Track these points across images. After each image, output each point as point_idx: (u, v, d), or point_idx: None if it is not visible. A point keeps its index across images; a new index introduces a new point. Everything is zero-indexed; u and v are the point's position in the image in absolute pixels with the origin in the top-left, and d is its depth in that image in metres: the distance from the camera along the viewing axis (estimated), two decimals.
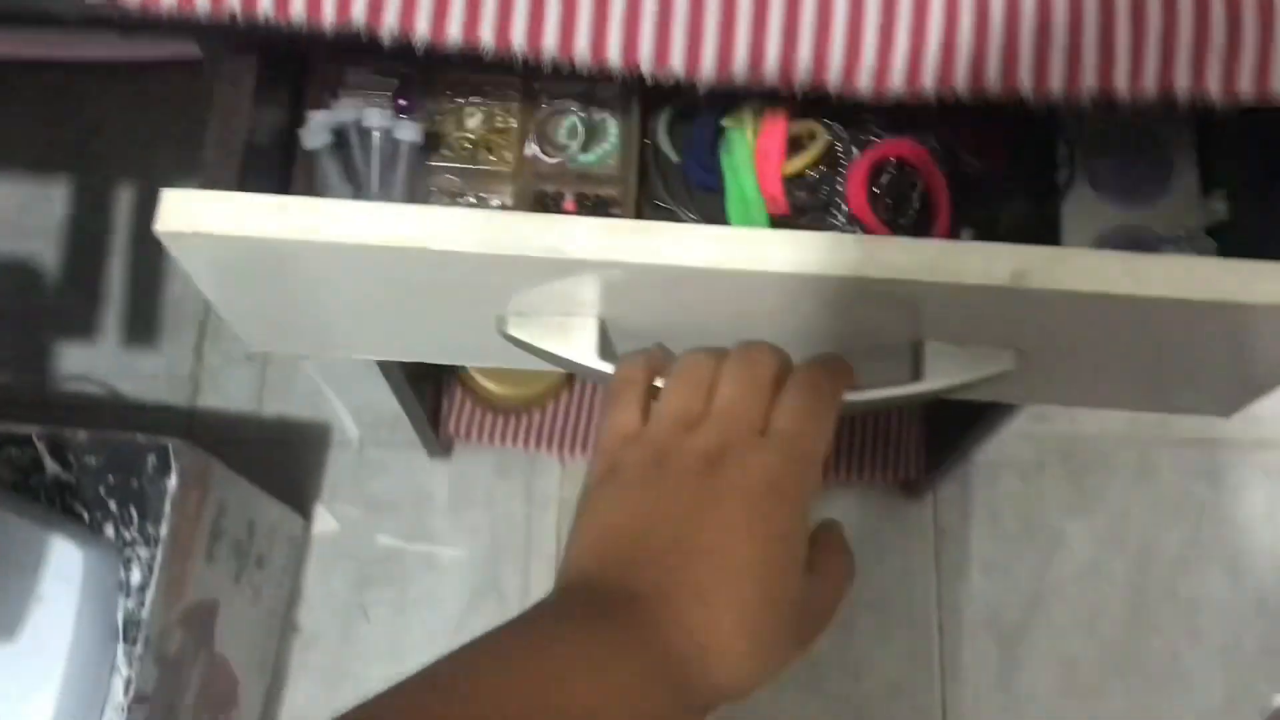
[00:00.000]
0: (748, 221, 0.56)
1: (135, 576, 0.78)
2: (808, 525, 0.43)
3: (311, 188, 0.56)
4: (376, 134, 0.55)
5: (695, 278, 0.46)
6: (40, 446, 0.79)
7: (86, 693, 0.76)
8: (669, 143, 0.60)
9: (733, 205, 0.56)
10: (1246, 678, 1.18)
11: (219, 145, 0.51)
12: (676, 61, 0.48)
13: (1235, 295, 0.45)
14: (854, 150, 0.57)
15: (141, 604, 0.77)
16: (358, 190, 0.56)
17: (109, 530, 0.78)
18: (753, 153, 0.55)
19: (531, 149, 0.59)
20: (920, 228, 0.58)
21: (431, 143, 0.59)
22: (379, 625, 1.12)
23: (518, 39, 0.48)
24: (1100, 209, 0.59)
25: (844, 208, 0.56)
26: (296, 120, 0.57)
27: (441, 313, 0.53)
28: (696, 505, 0.42)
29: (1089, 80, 0.48)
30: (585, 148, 0.59)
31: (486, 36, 0.48)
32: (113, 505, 0.79)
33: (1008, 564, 1.20)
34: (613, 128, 0.60)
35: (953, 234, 0.57)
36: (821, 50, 0.48)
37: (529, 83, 0.60)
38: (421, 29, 0.48)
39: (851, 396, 0.48)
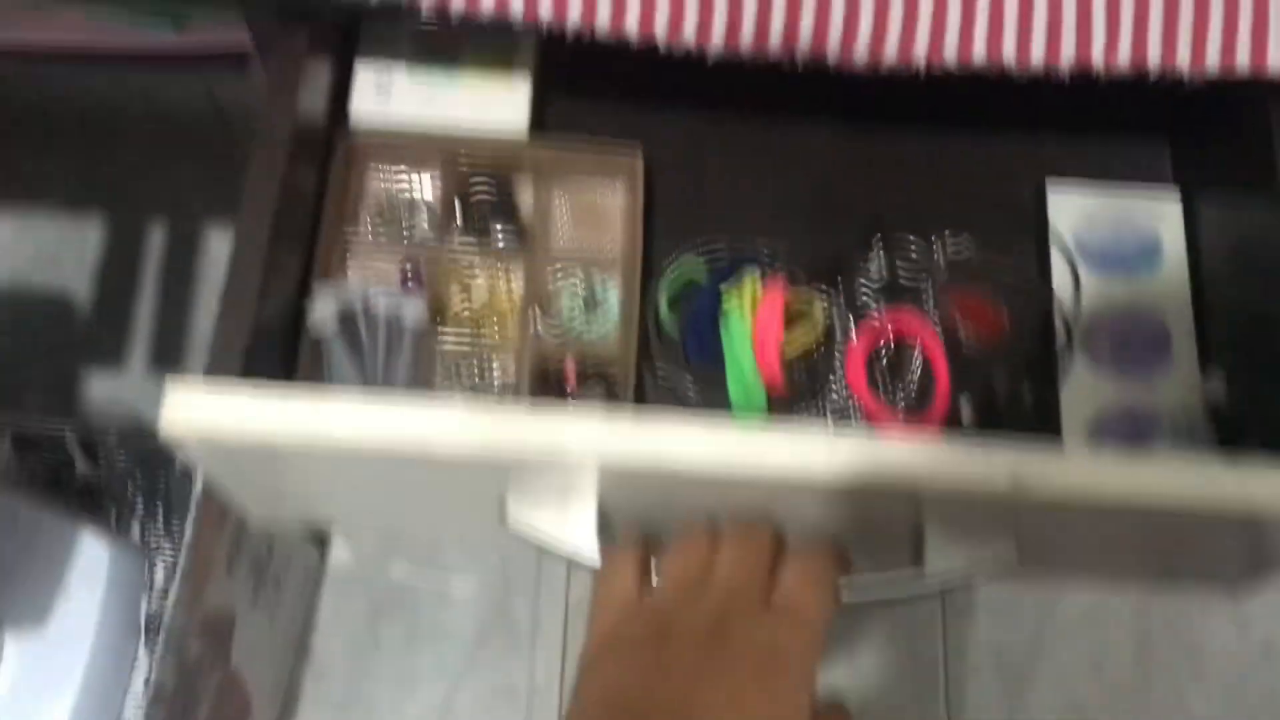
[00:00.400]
0: (747, 400, 0.56)
1: (159, 576, 0.79)
2: (814, 697, 0.42)
3: (318, 365, 0.56)
4: (382, 315, 0.55)
5: (691, 476, 0.46)
6: (72, 443, 0.80)
7: (109, 685, 0.77)
8: (670, 316, 0.60)
9: (733, 383, 0.56)
10: None
11: (224, 333, 0.51)
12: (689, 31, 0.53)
13: (1236, 501, 0.45)
14: (851, 322, 0.57)
15: (164, 603, 0.77)
16: (363, 367, 0.56)
17: (135, 530, 0.80)
18: (750, 332, 0.55)
19: (533, 321, 0.59)
20: (918, 402, 0.58)
21: (436, 314, 0.59)
22: (390, 655, 1.14)
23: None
24: (1099, 386, 0.59)
25: (843, 387, 0.56)
26: (304, 290, 0.57)
27: (443, 494, 0.54)
28: (701, 672, 0.41)
29: (1068, 51, 0.54)
30: (587, 320, 0.59)
31: None
32: (140, 505, 0.80)
33: (1012, 606, 1.20)
34: (613, 298, 0.60)
35: (951, 407, 0.57)
36: (822, 23, 0.54)
37: (532, 254, 0.60)
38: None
39: (849, 592, 0.48)
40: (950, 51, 0.53)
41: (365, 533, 0.97)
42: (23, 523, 0.73)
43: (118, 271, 1.19)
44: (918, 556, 0.50)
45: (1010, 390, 0.58)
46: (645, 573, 0.46)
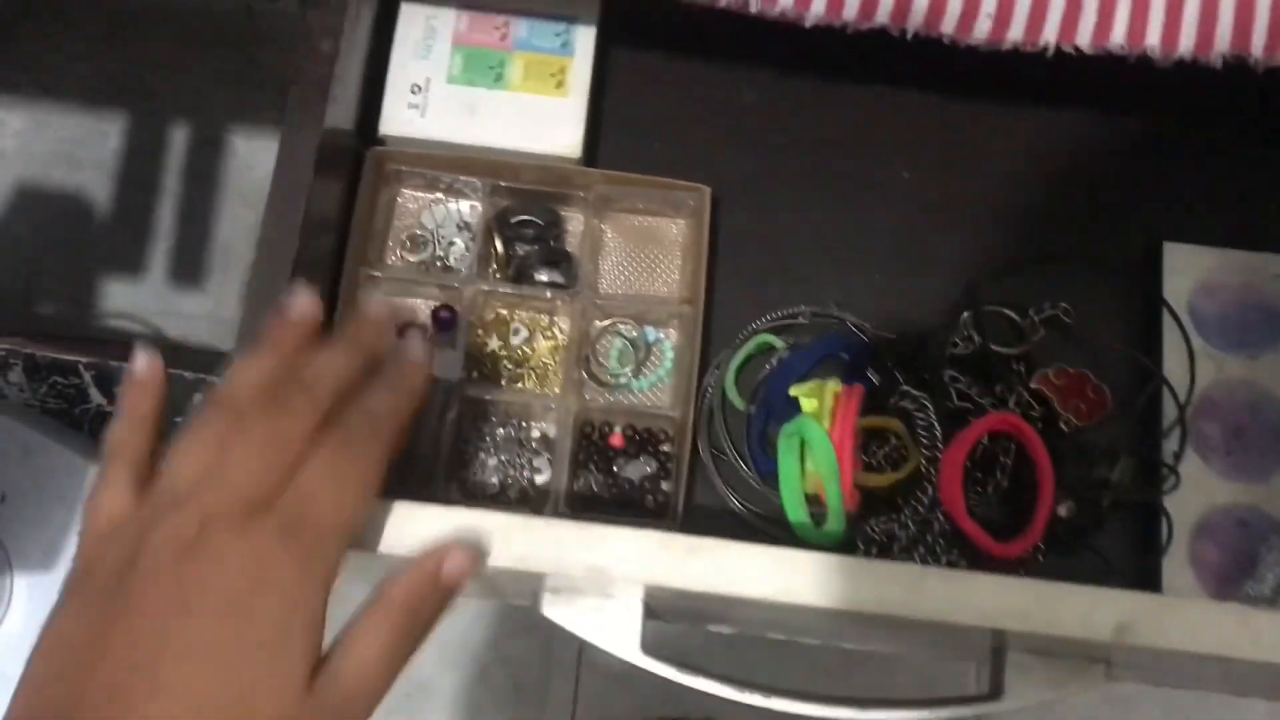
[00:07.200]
0: (821, 524, 0.50)
1: None
2: (314, 615, 0.35)
3: None
4: None
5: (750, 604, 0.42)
6: (87, 377, 0.78)
7: None
8: (735, 388, 0.53)
9: (790, 499, 0.49)
10: None
11: None
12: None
13: None
14: (938, 432, 0.49)
15: None
16: None
17: None
18: (831, 445, 0.48)
19: (579, 372, 0.52)
20: (1013, 500, 0.51)
21: (471, 363, 0.52)
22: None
23: None
24: (1209, 483, 0.52)
25: (930, 492, 0.50)
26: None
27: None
28: (159, 619, 0.33)
29: (1222, 38, 0.45)
30: (637, 374, 0.53)
31: None
32: None
33: None
34: (668, 351, 0.53)
35: (1053, 509, 0.50)
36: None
37: (581, 296, 0.53)
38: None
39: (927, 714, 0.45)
40: (1085, 34, 0.45)
41: None
42: (36, 454, 0.72)
43: (138, 174, 1.15)
44: (997, 687, 0.45)
45: (1111, 482, 0.51)
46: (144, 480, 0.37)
